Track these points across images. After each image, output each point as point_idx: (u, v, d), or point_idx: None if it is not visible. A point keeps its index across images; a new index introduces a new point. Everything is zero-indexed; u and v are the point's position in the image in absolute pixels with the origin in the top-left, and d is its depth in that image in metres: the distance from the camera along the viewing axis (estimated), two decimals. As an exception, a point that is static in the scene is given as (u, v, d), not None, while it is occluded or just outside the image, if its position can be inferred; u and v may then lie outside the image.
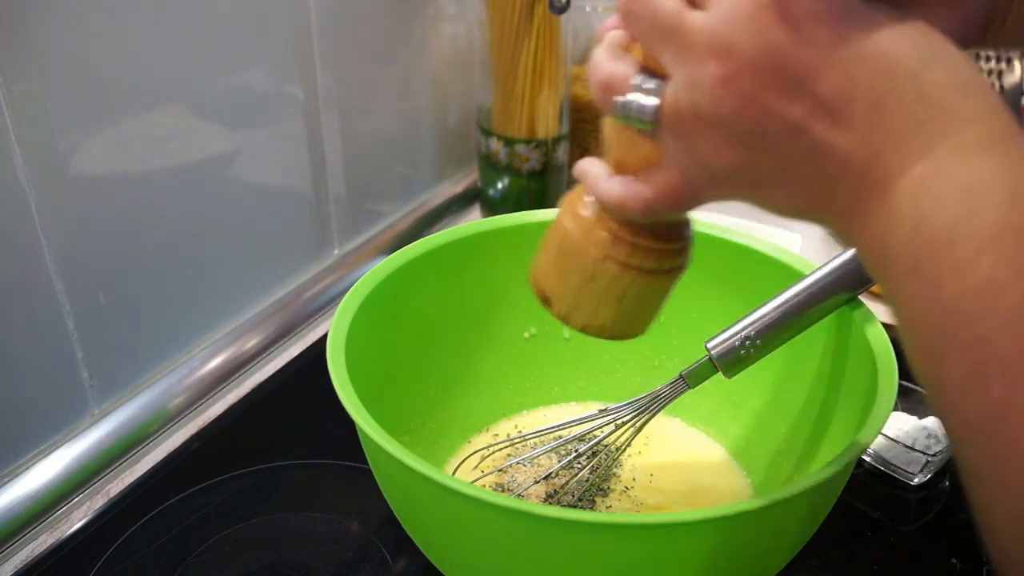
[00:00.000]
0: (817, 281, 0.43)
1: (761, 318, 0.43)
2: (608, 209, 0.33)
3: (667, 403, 0.46)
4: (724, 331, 0.44)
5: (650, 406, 0.46)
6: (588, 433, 0.50)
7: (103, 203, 0.53)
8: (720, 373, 0.44)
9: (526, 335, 0.56)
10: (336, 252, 0.76)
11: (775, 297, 0.44)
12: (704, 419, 0.55)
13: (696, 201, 0.31)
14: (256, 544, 0.49)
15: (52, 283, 0.51)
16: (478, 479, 0.50)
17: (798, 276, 0.47)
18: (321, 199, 0.73)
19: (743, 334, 0.43)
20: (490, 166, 0.84)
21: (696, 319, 0.54)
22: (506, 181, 0.84)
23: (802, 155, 0.26)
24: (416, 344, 0.50)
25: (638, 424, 0.46)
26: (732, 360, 0.43)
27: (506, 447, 0.53)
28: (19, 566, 0.48)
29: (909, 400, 0.57)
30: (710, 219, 0.66)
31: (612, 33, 0.34)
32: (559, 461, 0.51)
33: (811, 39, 0.25)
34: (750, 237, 0.51)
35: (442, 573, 0.42)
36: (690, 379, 0.45)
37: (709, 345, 0.44)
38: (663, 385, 0.46)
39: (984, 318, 0.22)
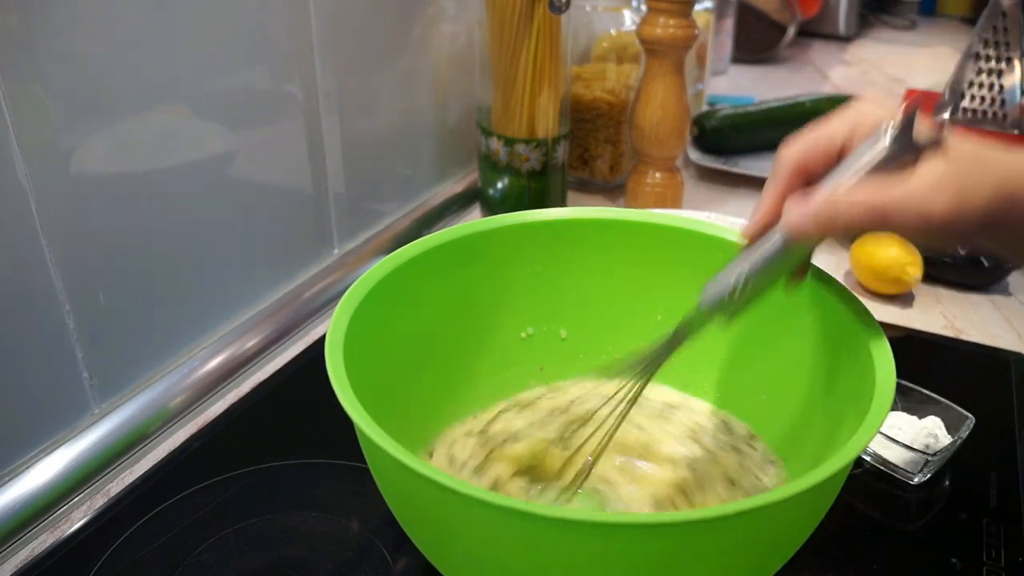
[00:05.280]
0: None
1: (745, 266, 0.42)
2: None
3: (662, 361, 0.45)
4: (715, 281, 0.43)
5: (649, 365, 0.45)
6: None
7: (103, 203, 0.53)
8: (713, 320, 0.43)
9: (523, 335, 0.56)
10: (336, 252, 0.76)
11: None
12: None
13: None
14: (256, 544, 0.49)
15: (52, 283, 0.51)
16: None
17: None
18: (321, 199, 0.73)
19: (733, 278, 0.42)
20: (490, 166, 0.84)
21: (695, 319, 0.54)
22: (506, 181, 0.84)
23: None
24: (414, 343, 0.50)
25: (634, 391, 0.46)
26: (721, 305, 0.43)
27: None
28: (19, 565, 0.48)
29: (909, 400, 0.57)
30: (709, 218, 0.66)
31: None
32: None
33: None
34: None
35: (441, 573, 0.42)
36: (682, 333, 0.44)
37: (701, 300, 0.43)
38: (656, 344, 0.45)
39: None
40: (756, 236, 0.41)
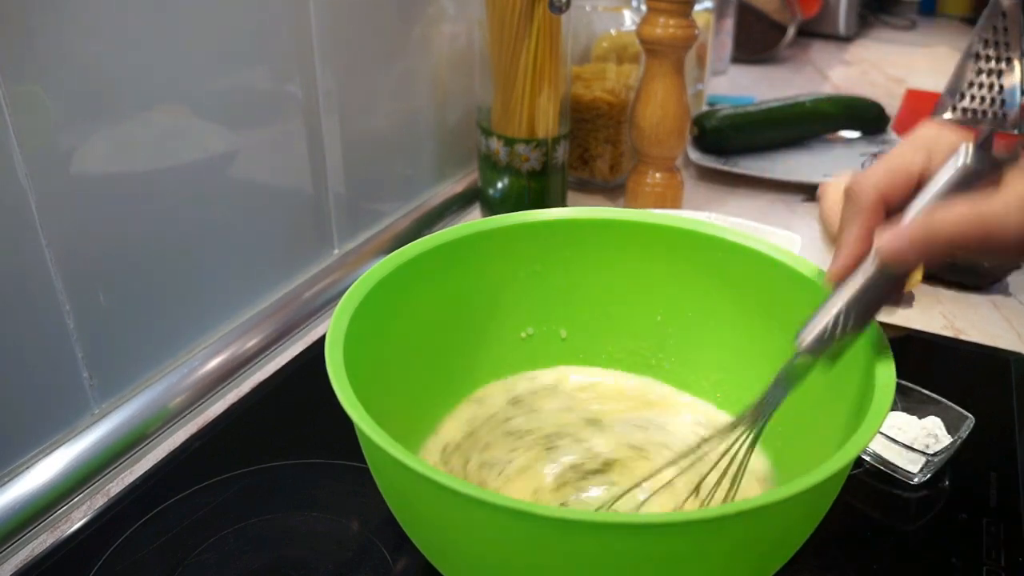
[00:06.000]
0: None
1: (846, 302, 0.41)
2: None
3: (769, 414, 0.43)
4: (810, 324, 0.41)
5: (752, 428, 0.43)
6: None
7: (103, 203, 0.53)
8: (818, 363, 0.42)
9: (523, 335, 0.56)
10: (336, 252, 0.76)
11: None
12: (703, 419, 0.55)
13: None
14: (256, 544, 0.49)
15: (52, 283, 0.51)
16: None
17: (797, 277, 0.47)
18: (321, 199, 0.73)
19: (830, 320, 0.41)
20: (490, 166, 0.84)
21: (692, 318, 0.54)
22: (506, 181, 0.84)
23: None
24: (414, 343, 0.50)
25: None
26: (823, 349, 0.41)
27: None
28: (19, 565, 0.48)
29: (909, 400, 0.57)
30: (709, 218, 0.66)
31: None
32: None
33: None
34: (749, 237, 0.51)
35: (441, 573, 0.42)
36: (788, 383, 0.42)
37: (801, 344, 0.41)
38: (759, 400, 0.43)
39: None
40: (843, 276, 0.40)
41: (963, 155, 0.37)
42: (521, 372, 0.56)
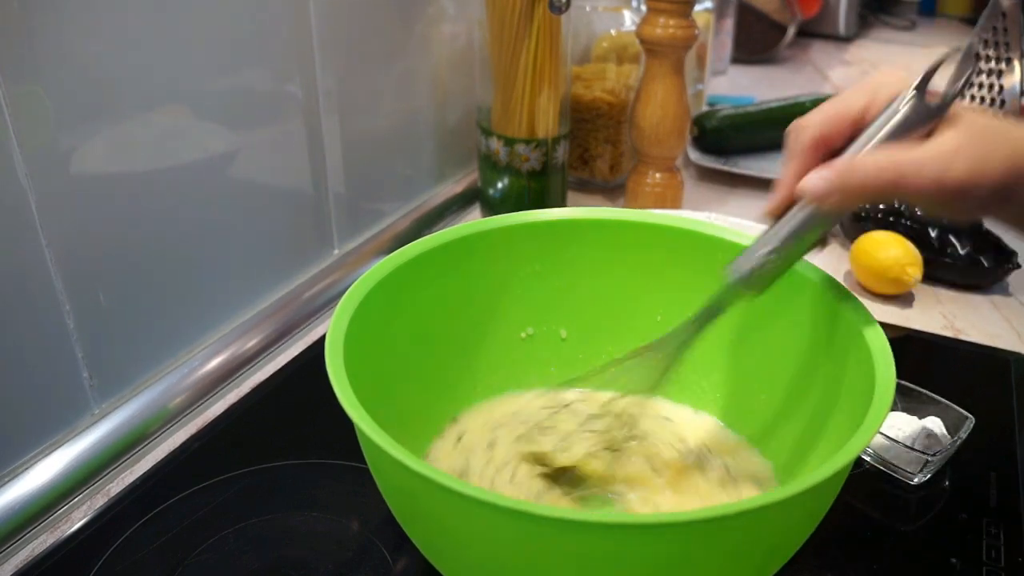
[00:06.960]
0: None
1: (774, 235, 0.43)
2: None
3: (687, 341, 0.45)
4: (743, 256, 0.43)
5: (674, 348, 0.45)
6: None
7: (103, 203, 0.53)
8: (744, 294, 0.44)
9: (523, 335, 0.56)
10: (336, 252, 0.76)
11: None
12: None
13: None
14: (256, 544, 0.49)
15: (52, 283, 0.51)
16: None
17: (796, 277, 0.47)
18: (321, 199, 0.73)
19: (761, 252, 0.43)
20: (490, 166, 0.84)
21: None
22: (506, 181, 0.84)
23: None
24: (414, 343, 0.50)
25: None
26: (755, 278, 0.43)
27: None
28: (19, 566, 0.48)
29: (909, 400, 0.57)
30: (709, 218, 0.66)
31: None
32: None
33: None
34: (749, 237, 0.51)
35: (441, 573, 0.42)
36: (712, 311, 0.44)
37: (729, 269, 0.43)
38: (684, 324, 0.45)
39: None
40: (779, 211, 0.42)
41: (897, 103, 0.39)
42: (524, 381, 0.56)
